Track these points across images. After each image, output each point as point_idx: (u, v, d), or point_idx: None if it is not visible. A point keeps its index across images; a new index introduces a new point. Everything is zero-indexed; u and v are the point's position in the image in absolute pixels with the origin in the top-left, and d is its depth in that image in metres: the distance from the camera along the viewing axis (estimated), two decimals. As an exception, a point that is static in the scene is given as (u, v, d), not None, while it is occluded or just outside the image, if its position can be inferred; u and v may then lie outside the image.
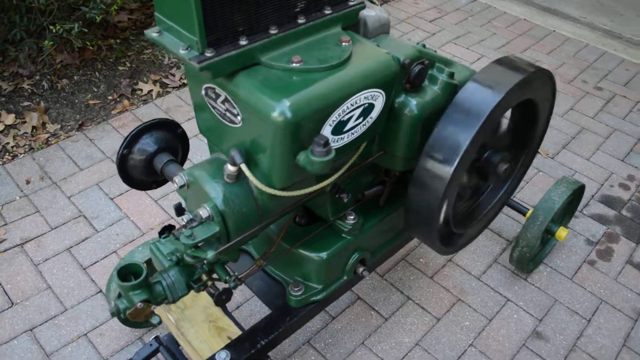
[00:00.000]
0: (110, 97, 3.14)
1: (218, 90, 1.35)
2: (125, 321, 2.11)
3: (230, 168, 1.39)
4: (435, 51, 1.74)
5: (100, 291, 2.32)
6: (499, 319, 2.31)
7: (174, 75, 3.34)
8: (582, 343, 2.24)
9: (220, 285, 1.54)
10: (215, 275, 1.55)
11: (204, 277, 1.54)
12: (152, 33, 1.32)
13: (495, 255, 2.56)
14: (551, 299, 2.39)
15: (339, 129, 1.38)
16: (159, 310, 1.86)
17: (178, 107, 3.22)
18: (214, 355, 1.65)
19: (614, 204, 2.83)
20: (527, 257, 2.30)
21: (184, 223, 1.52)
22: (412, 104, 1.54)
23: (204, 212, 1.40)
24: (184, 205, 1.66)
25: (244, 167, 1.35)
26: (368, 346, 2.18)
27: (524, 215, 2.35)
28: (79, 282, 2.35)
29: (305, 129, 1.28)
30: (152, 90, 3.20)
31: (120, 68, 3.30)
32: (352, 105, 1.35)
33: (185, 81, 3.33)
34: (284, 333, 1.75)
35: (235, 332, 1.74)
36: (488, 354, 2.18)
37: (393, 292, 2.38)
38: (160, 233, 1.76)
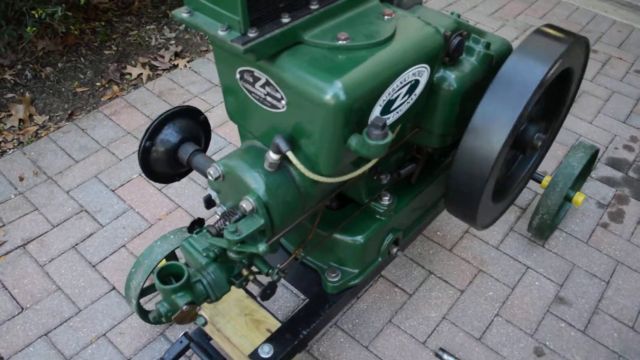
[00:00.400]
0: (98, 84, 2.98)
1: (257, 73, 1.26)
2: (146, 317, 2.03)
3: (273, 156, 1.31)
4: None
5: (114, 288, 2.23)
6: (521, 287, 2.31)
7: (163, 56, 3.19)
8: (603, 305, 2.26)
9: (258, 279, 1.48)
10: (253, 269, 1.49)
11: (245, 272, 1.47)
12: (181, 14, 1.22)
13: (511, 224, 2.55)
14: (569, 263, 2.40)
15: (387, 109, 1.31)
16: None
17: (171, 90, 3.09)
18: (256, 350, 1.59)
19: (620, 166, 2.85)
20: (547, 224, 2.29)
21: (218, 217, 1.45)
22: (451, 78, 1.48)
23: (247, 204, 1.32)
24: (214, 197, 1.57)
25: (290, 155, 1.27)
26: (396, 324, 2.16)
27: (539, 183, 2.33)
28: (90, 281, 2.25)
29: (357, 111, 1.21)
30: (141, 73, 3.06)
31: (106, 52, 3.13)
32: (401, 83, 1.28)
33: (176, 62, 3.19)
34: (324, 320, 1.70)
35: (274, 324, 1.68)
36: (514, 323, 2.18)
37: (414, 267, 2.36)
38: (190, 228, 1.68)
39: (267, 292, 1.46)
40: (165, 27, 3.32)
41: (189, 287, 1.37)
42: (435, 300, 2.24)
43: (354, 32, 1.25)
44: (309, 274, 1.77)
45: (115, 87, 2.98)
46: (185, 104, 2.99)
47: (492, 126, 1.42)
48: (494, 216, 1.84)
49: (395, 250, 1.81)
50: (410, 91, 1.35)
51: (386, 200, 1.69)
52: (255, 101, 1.33)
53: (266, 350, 1.58)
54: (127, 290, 1.97)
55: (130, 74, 3.07)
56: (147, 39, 3.23)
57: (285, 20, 1.19)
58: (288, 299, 2.19)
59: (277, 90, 1.25)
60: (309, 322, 1.65)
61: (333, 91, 1.15)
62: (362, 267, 1.74)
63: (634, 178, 2.79)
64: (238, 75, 1.32)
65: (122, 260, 2.32)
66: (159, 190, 2.60)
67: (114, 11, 3.31)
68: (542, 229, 2.32)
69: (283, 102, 1.25)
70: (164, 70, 3.17)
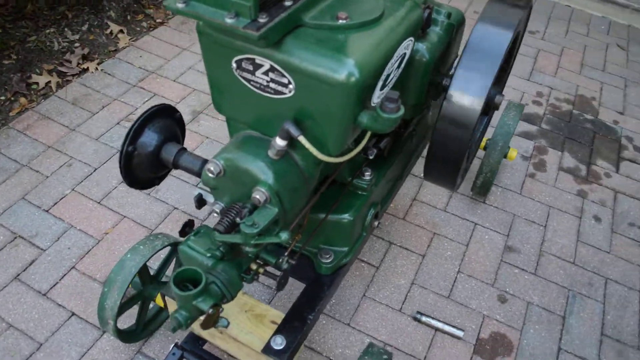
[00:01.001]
0: (3, 97, 2.69)
1: (260, 60, 1.23)
2: (125, 336, 1.91)
3: (280, 143, 1.29)
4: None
5: (74, 314, 2.06)
6: (474, 243, 2.47)
7: (69, 61, 2.94)
8: (546, 247, 2.49)
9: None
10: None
11: (254, 266, 1.44)
12: (176, 4, 1.15)
13: (452, 186, 2.71)
14: (510, 214, 2.61)
15: (384, 84, 1.34)
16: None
17: (86, 96, 2.87)
18: (268, 343, 1.57)
19: (533, 120, 3.13)
20: (490, 182, 2.47)
21: (217, 214, 1.41)
22: (423, 49, 1.54)
23: (260, 195, 1.30)
24: (205, 196, 1.51)
25: (303, 139, 1.26)
26: (370, 297, 2.22)
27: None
28: (44, 311, 2.06)
29: (367, 88, 1.23)
30: (49, 82, 2.80)
31: (6, 62, 2.82)
32: (397, 57, 1.32)
33: (85, 66, 2.96)
34: (324, 302, 1.71)
35: (277, 315, 1.66)
36: (475, 276, 2.34)
37: (375, 240, 2.43)
38: (182, 232, 1.60)
39: (282, 281, 1.44)
40: (66, 29, 3.06)
41: (207, 290, 1.31)
42: (401, 268, 2.34)
43: (351, 11, 1.26)
44: (300, 260, 1.77)
45: (22, 99, 2.71)
46: (102, 109, 2.82)
47: (470, 92, 1.50)
48: (463, 176, 1.96)
49: (376, 223, 1.86)
50: (399, 65, 1.39)
51: (367, 175, 1.72)
52: (255, 90, 1.30)
53: (279, 342, 1.56)
54: (100, 311, 1.83)
55: (36, 83, 2.80)
56: (48, 43, 2.96)
57: (288, 3, 1.17)
58: (262, 291, 2.17)
59: (283, 76, 1.23)
60: (312, 306, 1.66)
61: (347, 70, 1.16)
62: (351, 245, 1.77)
63: (547, 129, 3.08)
64: (234, 65, 1.28)
65: (75, 282, 2.15)
66: (99, 203, 2.43)
67: (5, 17, 2.99)
68: (486, 186, 2.49)
69: (290, 86, 1.23)
70: (73, 75, 2.93)
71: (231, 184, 1.38)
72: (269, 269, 1.48)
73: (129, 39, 3.21)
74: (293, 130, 1.26)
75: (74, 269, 2.19)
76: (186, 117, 2.87)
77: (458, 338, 2.12)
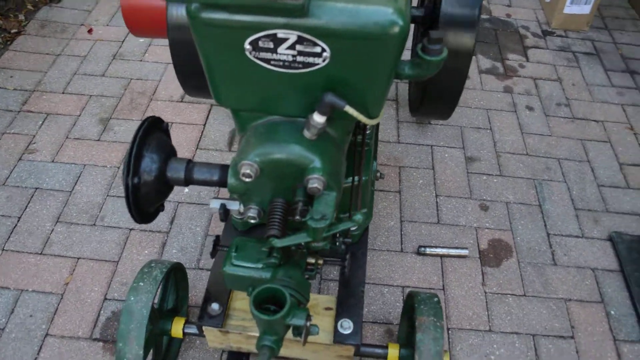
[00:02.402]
0: None
1: (283, 34, 1.05)
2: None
3: (319, 120, 1.15)
4: None
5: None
6: (438, 164, 2.50)
7: None
8: (500, 148, 2.60)
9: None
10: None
11: (312, 260, 1.31)
12: None
13: (394, 116, 2.70)
14: (457, 127, 2.67)
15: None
16: (214, 341, 1.53)
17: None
18: (336, 330, 1.47)
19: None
20: (436, 101, 2.48)
21: (253, 218, 1.25)
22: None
23: (318, 183, 1.15)
24: (230, 205, 1.32)
25: (350, 108, 1.13)
26: (369, 248, 2.17)
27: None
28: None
29: (408, 34, 1.11)
30: None
31: None
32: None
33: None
34: (365, 269, 1.63)
35: (328, 300, 1.55)
36: (453, 194, 2.38)
37: (350, 193, 2.36)
38: (214, 252, 1.40)
39: (346, 264, 1.34)
40: None
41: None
42: (386, 210, 2.31)
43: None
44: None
45: None
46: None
47: (465, 22, 1.44)
48: None
49: (378, 174, 1.79)
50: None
51: (368, 130, 1.63)
52: (277, 69, 1.12)
53: (346, 326, 1.47)
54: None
55: None
56: None
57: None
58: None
59: (315, 45, 1.06)
60: (358, 278, 1.57)
61: (392, 20, 1.03)
62: (369, 204, 1.68)
63: (454, 38, 3.15)
64: (248, 47, 1.08)
65: (58, 350, 1.84)
66: (41, 254, 2.08)
67: None
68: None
69: (325, 54, 1.07)
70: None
71: (269, 182, 1.22)
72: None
73: (-16, 61, 2.70)
74: (338, 102, 1.11)
75: (49, 336, 1.87)
76: (94, 129, 2.52)
77: (464, 257, 2.16)
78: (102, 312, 1.93)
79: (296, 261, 1.28)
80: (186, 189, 2.33)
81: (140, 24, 1.69)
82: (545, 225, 2.29)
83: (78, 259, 2.07)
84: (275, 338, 1.16)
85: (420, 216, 2.29)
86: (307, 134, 1.18)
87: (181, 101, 2.70)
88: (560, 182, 2.46)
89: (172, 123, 2.59)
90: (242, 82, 1.16)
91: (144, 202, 1.22)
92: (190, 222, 2.21)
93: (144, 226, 2.18)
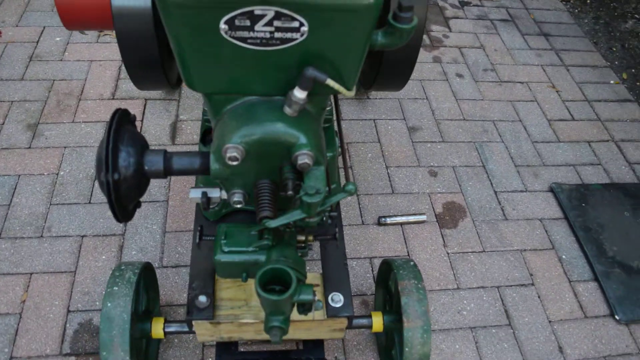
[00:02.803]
0: None
1: (260, 11, 1.04)
2: None
3: (300, 96, 1.15)
4: None
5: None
6: (383, 136, 2.56)
7: None
8: (438, 115, 2.69)
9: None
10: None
11: (302, 237, 1.32)
12: None
13: (337, 94, 2.72)
14: (395, 100, 2.74)
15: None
16: (204, 334, 1.50)
17: None
18: (328, 305, 1.48)
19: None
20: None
21: (237, 202, 1.24)
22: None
23: (308, 158, 1.16)
24: (211, 192, 1.29)
25: (331, 81, 1.13)
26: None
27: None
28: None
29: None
30: None
31: None
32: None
33: None
34: (342, 239, 1.64)
35: (312, 278, 1.55)
36: (402, 164, 2.45)
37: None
38: (199, 244, 1.37)
39: (337, 236, 1.35)
40: None
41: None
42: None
43: None
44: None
45: None
46: None
47: None
48: None
49: (339, 150, 1.81)
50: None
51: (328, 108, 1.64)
52: (254, 47, 1.10)
53: (337, 299, 1.49)
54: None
55: None
56: None
57: None
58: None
59: (293, 20, 1.05)
60: (340, 252, 1.59)
61: (367, -11, 1.04)
62: (337, 179, 1.70)
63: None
64: (224, 27, 1.05)
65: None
66: (-12, 273, 1.93)
67: None
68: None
69: (303, 28, 1.07)
70: None
71: (253, 164, 1.20)
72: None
73: None
74: (320, 75, 1.11)
75: (14, 359, 1.75)
76: (23, 137, 2.36)
77: (423, 222, 2.24)
78: (67, 325, 1.83)
79: (287, 241, 1.28)
80: (135, 189, 2.23)
81: (77, 15, 1.59)
82: (492, 184, 2.41)
83: (31, 274, 1.94)
84: (283, 318, 1.15)
85: (375, 188, 2.34)
86: (288, 110, 1.17)
87: (113, 98, 2.58)
88: (498, 142, 2.59)
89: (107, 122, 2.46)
90: (218, 64, 1.13)
91: (126, 199, 1.17)
92: (145, 221, 2.13)
93: (97, 231, 2.07)
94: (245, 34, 1.07)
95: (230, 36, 1.07)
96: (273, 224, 1.17)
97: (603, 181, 2.47)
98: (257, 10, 1.03)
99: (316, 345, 1.68)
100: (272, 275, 1.14)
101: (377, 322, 1.65)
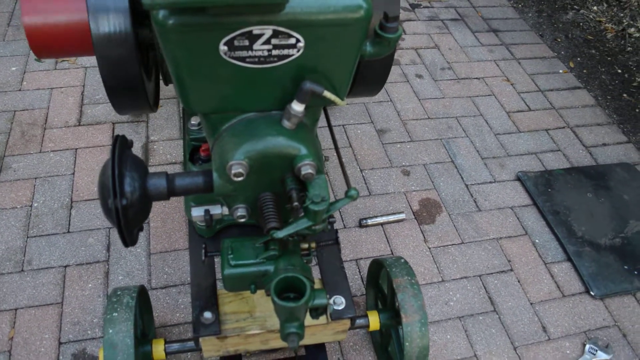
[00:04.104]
0: None
1: (258, 30, 1.07)
2: None
3: (298, 109, 1.19)
4: None
5: None
6: (355, 141, 2.62)
7: None
8: (403, 115, 2.78)
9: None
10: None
11: (305, 245, 1.36)
12: None
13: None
14: (361, 104, 2.81)
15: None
16: (210, 350, 1.51)
17: None
18: (333, 308, 1.52)
19: None
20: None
21: (242, 216, 1.27)
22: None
23: (311, 168, 1.20)
24: (214, 210, 1.31)
25: (328, 93, 1.18)
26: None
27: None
28: None
29: (370, 14, 1.18)
30: None
31: None
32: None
33: None
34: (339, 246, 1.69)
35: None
36: (374, 166, 2.51)
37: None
38: (205, 260, 1.38)
39: (338, 241, 1.40)
40: None
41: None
42: (319, 193, 2.38)
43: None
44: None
45: None
46: None
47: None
48: None
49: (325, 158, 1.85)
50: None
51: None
52: (252, 66, 1.13)
53: (339, 302, 1.53)
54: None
55: None
56: None
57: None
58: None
59: (289, 37, 1.09)
60: (336, 255, 1.63)
61: (358, 2, 1.09)
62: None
63: None
64: (224, 48, 1.08)
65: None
66: (-29, 314, 1.87)
67: None
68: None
69: (299, 44, 1.11)
70: None
71: (256, 178, 1.23)
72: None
73: None
74: (317, 87, 1.16)
75: (7, 398, 1.71)
76: (-8, 169, 2.29)
77: (403, 220, 2.31)
78: (60, 357, 1.79)
79: (292, 250, 1.31)
80: (114, 213, 2.21)
81: (50, 42, 1.56)
82: (462, 178, 2.51)
83: (16, 310, 1.90)
84: (298, 323, 1.19)
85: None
86: (287, 124, 1.21)
87: (79, 125, 2.54)
88: (463, 137, 2.70)
89: (77, 149, 2.43)
90: (216, 84, 1.16)
91: (133, 223, 1.17)
92: (129, 246, 2.11)
93: (80, 260, 2.04)
94: (243, 53, 1.11)
95: (229, 57, 1.10)
96: (281, 234, 1.20)
97: (564, 166, 2.61)
98: (256, 29, 1.07)
99: (319, 350, 1.71)
100: (285, 283, 1.17)
101: (374, 320, 1.70)
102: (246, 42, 1.09)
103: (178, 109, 2.65)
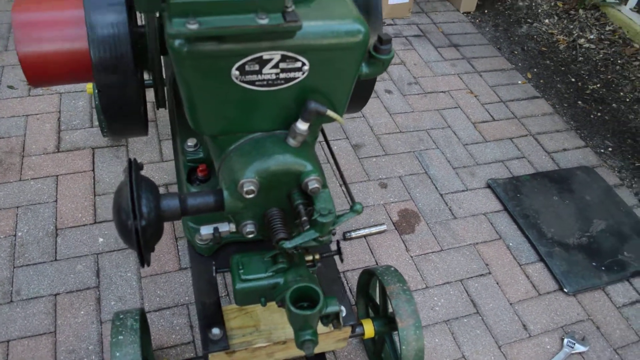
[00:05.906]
0: None
1: (268, 55, 1.14)
2: None
3: (303, 127, 1.27)
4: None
5: None
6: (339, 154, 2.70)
7: None
8: (376, 130, 2.89)
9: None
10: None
11: (310, 257, 1.43)
12: (186, 27, 0.98)
13: (281, 122, 2.84)
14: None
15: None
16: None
17: None
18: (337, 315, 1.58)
19: None
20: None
21: (249, 231, 1.33)
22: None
23: (318, 183, 1.27)
24: (223, 227, 1.36)
25: (331, 113, 1.26)
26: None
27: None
28: None
29: (367, 36, 1.27)
30: None
31: None
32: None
33: None
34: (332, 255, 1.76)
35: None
36: (353, 180, 2.60)
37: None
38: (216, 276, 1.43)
39: (340, 252, 1.47)
40: None
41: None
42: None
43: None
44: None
45: None
46: None
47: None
48: None
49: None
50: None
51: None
52: (261, 89, 1.20)
53: (345, 309, 1.59)
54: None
55: None
56: None
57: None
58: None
59: (296, 61, 1.17)
60: (331, 265, 1.70)
61: (357, 28, 1.18)
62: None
63: None
64: (236, 72, 1.15)
65: None
66: (-38, 348, 1.84)
67: None
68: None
69: (305, 67, 1.19)
70: None
71: (265, 194, 1.29)
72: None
73: None
74: (321, 107, 1.24)
75: None
76: (-28, 200, 2.26)
77: (384, 231, 2.40)
78: (60, 386, 1.79)
79: (298, 262, 1.38)
80: (101, 239, 2.22)
81: (45, 69, 1.57)
82: (436, 188, 2.63)
83: (8, 342, 1.88)
84: (312, 331, 1.25)
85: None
86: (292, 142, 1.28)
87: (58, 151, 2.53)
88: (434, 149, 2.83)
89: (58, 176, 2.42)
90: (226, 107, 1.22)
91: (151, 243, 1.22)
92: (118, 270, 2.12)
93: (70, 287, 2.04)
94: (254, 77, 1.18)
95: (240, 81, 1.17)
96: (289, 244, 1.27)
97: (530, 172, 2.77)
98: (266, 55, 1.14)
99: (320, 359, 1.77)
100: (298, 293, 1.23)
101: (369, 328, 1.77)
102: (256, 67, 1.16)
103: (157, 132, 2.68)
